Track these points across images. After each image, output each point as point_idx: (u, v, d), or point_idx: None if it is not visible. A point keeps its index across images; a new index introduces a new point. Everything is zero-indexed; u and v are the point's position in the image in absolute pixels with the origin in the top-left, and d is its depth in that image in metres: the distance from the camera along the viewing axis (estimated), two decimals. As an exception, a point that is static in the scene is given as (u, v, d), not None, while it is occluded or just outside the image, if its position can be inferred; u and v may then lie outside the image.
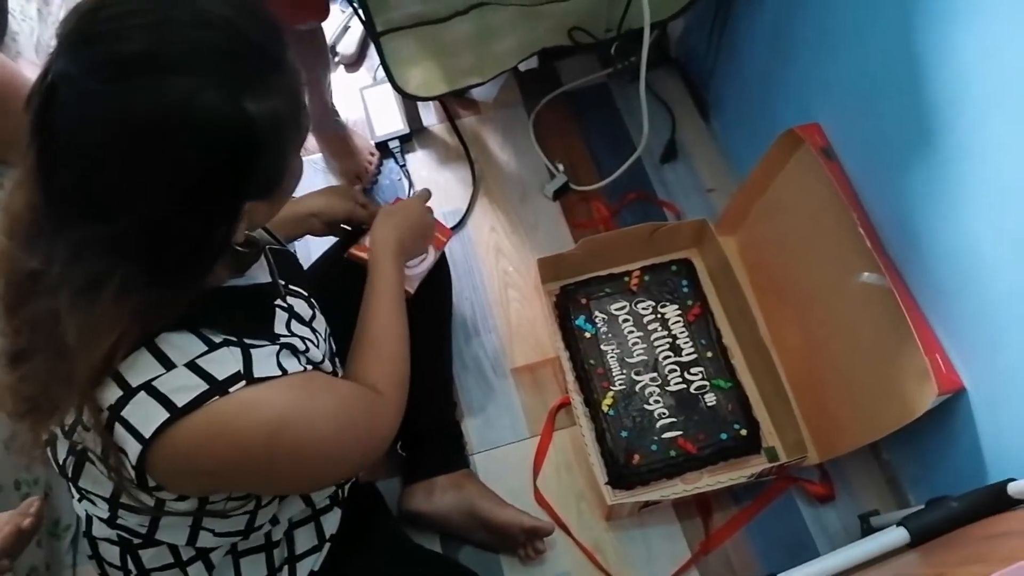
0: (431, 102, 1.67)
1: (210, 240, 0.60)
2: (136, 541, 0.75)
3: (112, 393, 0.61)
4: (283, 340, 0.71)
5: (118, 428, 0.61)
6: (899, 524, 0.88)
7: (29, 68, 1.43)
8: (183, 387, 0.61)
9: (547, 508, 1.25)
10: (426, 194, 1.14)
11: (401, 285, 0.96)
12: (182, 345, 0.63)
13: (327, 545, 0.88)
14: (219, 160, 0.56)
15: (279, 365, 0.68)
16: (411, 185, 1.61)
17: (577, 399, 1.30)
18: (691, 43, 1.65)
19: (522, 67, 1.60)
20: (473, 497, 1.18)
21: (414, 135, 1.67)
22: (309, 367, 0.73)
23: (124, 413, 0.61)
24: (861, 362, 1.14)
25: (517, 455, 1.30)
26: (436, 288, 1.20)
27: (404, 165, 1.63)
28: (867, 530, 1.18)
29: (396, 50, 1.28)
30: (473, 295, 1.47)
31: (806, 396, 1.26)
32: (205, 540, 0.75)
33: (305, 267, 1.03)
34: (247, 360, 0.65)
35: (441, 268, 1.21)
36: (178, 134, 0.53)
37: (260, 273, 0.77)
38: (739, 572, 1.19)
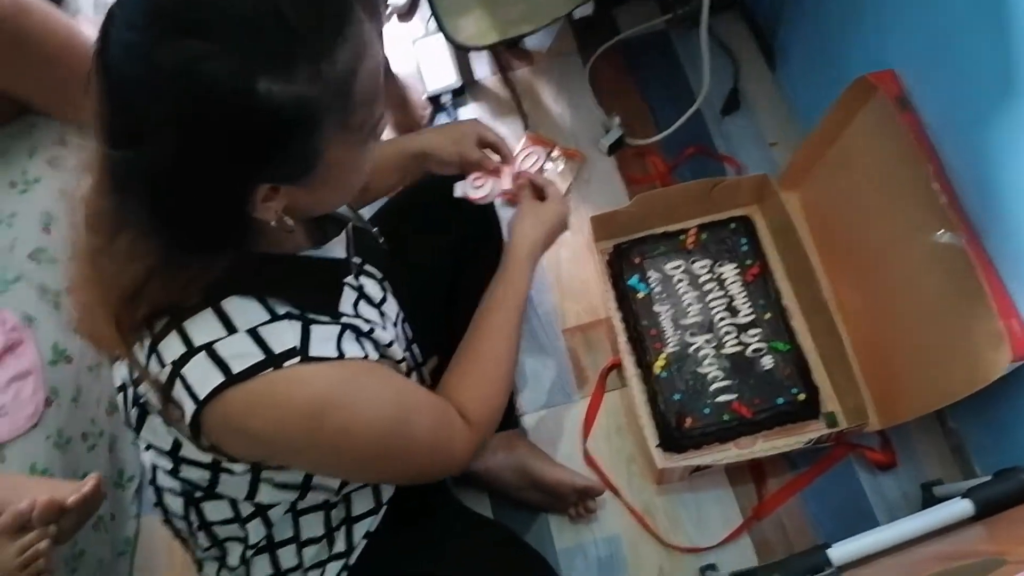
0: (484, 53, 1.64)
1: (217, 210, 0.60)
2: (198, 494, 0.77)
3: (176, 348, 0.63)
4: (345, 320, 0.71)
5: (178, 384, 0.63)
6: (964, 495, 0.84)
7: (87, 25, 1.45)
8: (241, 354, 0.63)
9: (597, 470, 1.25)
10: (559, 191, 1.02)
11: (526, 298, 0.90)
12: (247, 311, 0.64)
13: (383, 508, 0.89)
14: (219, 133, 0.54)
15: (338, 347, 0.67)
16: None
17: (629, 360, 1.28)
18: (757, -14, 1.56)
19: (577, 14, 1.55)
20: (524, 456, 1.19)
21: (467, 88, 1.64)
22: (373, 353, 0.72)
23: (184, 371, 0.63)
24: (930, 325, 1.08)
25: (567, 416, 1.29)
26: (488, 250, 1.18)
27: (456, 119, 1.61)
28: (929, 500, 1.14)
29: None
30: (525, 253, 1.45)
31: (869, 360, 1.21)
32: (264, 494, 0.76)
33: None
34: (305, 336, 0.65)
35: (492, 227, 1.19)
36: (183, 97, 0.53)
37: (337, 248, 0.76)
38: (793, 539, 1.17)
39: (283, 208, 0.62)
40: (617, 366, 1.32)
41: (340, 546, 0.84)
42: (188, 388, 0.63)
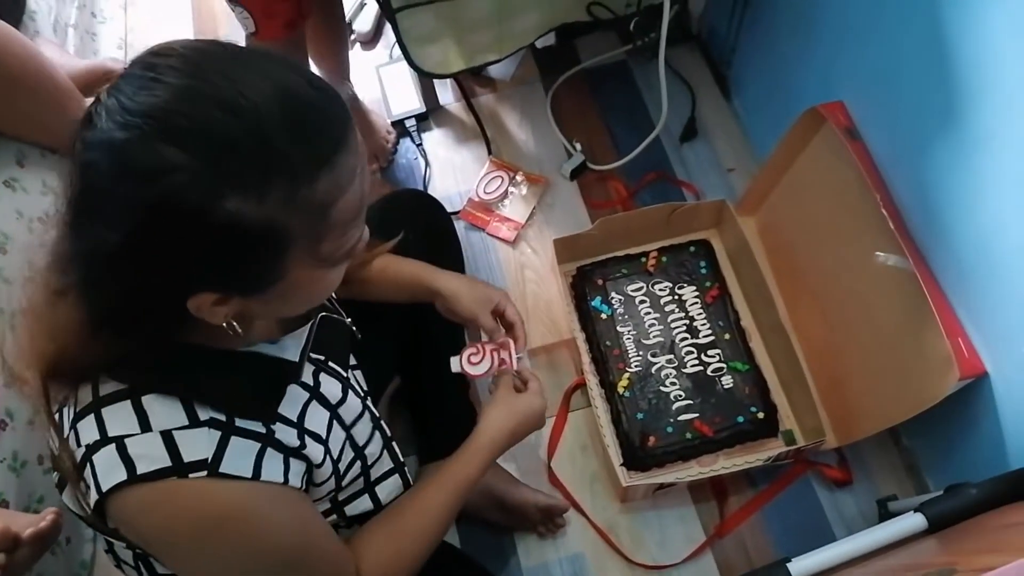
0: (448, 80, 1.66)
1: (152, 306, 0.58)
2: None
3: (92, 433, 0.62)
4: (279, 430, 0.67)
5: (87, 468, 0.62)
6: (917, 510, 0.87)
7: (47, 47, 1.43)
8: (148, 455, 0.60)
9: (561, 489, 1.26)
10: (541, 388, 0.98)
11: (475, 486, 0.87)
12: (165, 410, 0.62)
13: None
14: (171, 239, 0.53)
15: (255, 464, 0.64)
16: (427, 164, 1.60)
17: (593, 380, 1.29)
18: (712, 19, 1.62)
19: (540, 44, 1.58)
20: (489, 476, 1.18)
21: (430, 114, 1.66)
22: (295, 476, 0.68)
23: (94, 457, 0.61)
24: (881, 346, 1.12)
25: (531, 436, 1.29)
26: (449, 268, 1.19)
27: (420, 144, 1.62)
28: (885, 515, 1.17)
29: (412, 27, 1.26)
30: (489, 276, 1.46)
31: (825, 379, 1.24)
32: None
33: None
34: (220, 449, 0.62)
35: (453, 247, 1.20)
36: (143, 200, 0.51)
37: (292, 347, 0.71)
38: (754, 556, 1.19)
39: (234, 314, 0.60)
40: (581, 386, 1.33)
41: None
42: (94, 475, 0.61)
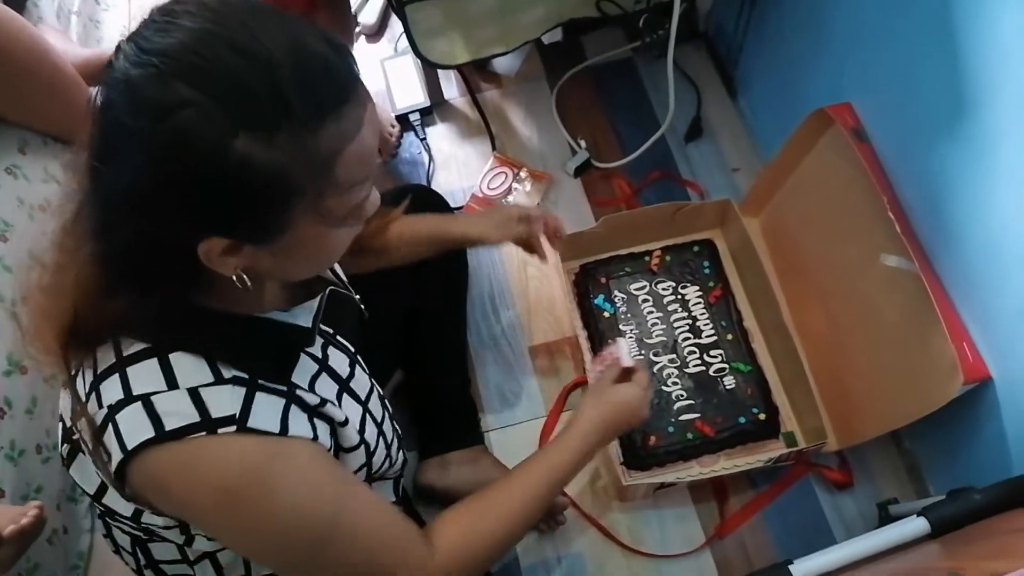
0: (452, 74, 1.65)
1: (165, 249, 0.58)
2: (143, 536, 0.75)
3: (115, 392, 0.61)
4: (299, 393, 0.67)
5: (110, 429, 0.61)
6: (919, 514, 0.86)
7: (51, 33, 1.43)
8: (177, 412, 0.60)
9: (561, 487, 1.25)
10: (645, 380, 0.96)
11: (569, 474, 0.85)
12: (191, 369, 0.62)
13: None
14: (184, 175, 0.53)
15: (282, 420, 0.64)
16: (431, 159, 1.60)
17: (594, 378, 1.29)
18: (720, 17, 1.61)
19: (546, 40, 1.58)
20: (488, 472, 1.19)
21: (435, 108, 1.65)
22: (325, 435, 0.69)
23: (118, 417, 0.61)
24: (885, 349, 1.12)
25: (532, 433, 1.30)
26: (451, 262, 1.19)
27: (424, 138, 1.62)
28: (885, 519, 1.16)
29: (420, 20, 1.26)
30: (492, 272, 1.46)
31: (827, 381, 1.24)
32: (201, 544, 0.73)
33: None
34: (247, 405, 0.63)
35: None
36: (158, 134, 0.52)
37: (304, 315, 0.72)
38: (754, 557, 1.19)
39: (243, 268, 0.60)
40: (581, 384, 1.33)
41: None
42: (118, 435, 0.60)
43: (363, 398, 0.78)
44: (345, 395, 0.75)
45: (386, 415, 0.83)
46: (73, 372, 0.65)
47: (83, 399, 0.63)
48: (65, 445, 0.70)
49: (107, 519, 0.78)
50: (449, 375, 1.25)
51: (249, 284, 0.62)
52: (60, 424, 0.72)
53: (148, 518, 0.68)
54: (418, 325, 1.19)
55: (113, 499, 0.69)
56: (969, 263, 0.95)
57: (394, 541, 0.71)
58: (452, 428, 1.22)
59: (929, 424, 1.02)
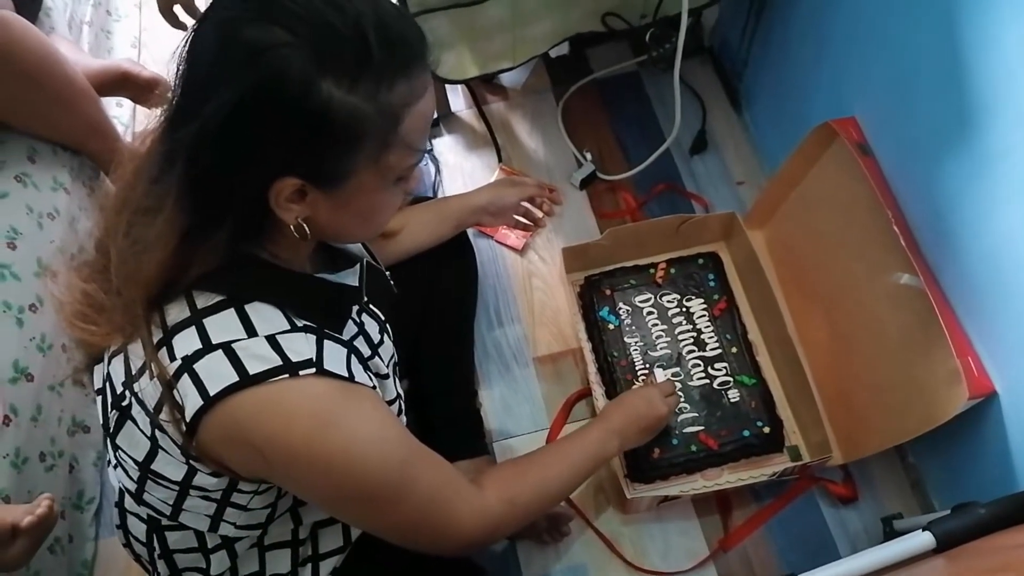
0: (459, 87, 1.66)
1: (244, 188, 0.61)
2: (163, 521, 0.76)
3: (192, 344, 0.64)
4: (354, 343, 0.72)
5: (184, 379, 0.63)
6: (925, 528, 0.86)
7: (62, 43, 1.44)
8: (259, 356, 0.63)
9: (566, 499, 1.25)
10: (669, 387, 1.16)
11: (601, 448, 0.97)
12: (269, 317, 0.66)
13: (350, 547, 0.87)
14: (272, 113, 0.58)
15: (348, 367, 0.68)
16: (438, 170, 1.61)
17: (599, 391, 1.29)
18: (725, 32, 1.62)
19: (552, 53, 1.59)
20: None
21: (441, 120, 1.66)
22: (377, 386, 0.73)
23: (197, 366, 0.63)
24: (889, 363, 1.12)
25: (536, 444, 1.29)
26: (462, 275, 1.20)
27: (431, 150, 1.62)
28: (889, 533, 1.16)
29: (428, 32, 1.25)
30: (497, 283, 1.46)
31: (832, 395, 1.24)
32: (226, 530, 0.75)
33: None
34: (320, 350, 0.66)
35: (467, 254, 1.20)
36: (252, 72, 0.56)
37: (350, 277, 0.78)
38: (758, 571, 1.18)
39: (304, 218, 0.64)
40: (585, 396, 1.33)
41: None
42: (198, 383, 0.62)
43: (387, 363, 0.82)
44: (376, 358, 0.78)
45: (400, 393, 0.86)
46: (129, 332, 0.67)
47: (153, 353, 0.65)
48: (114, 412, 0.71)
49: (124, 508, 0.79)
50: (456, 385, 1.25)
51: (307, 233, 0.65)
52: (100, 398, 0.74)
53: (200, 479, 0.70)
54: (427, 334, 1.19)
55: (163, 463, 0.69)
56: (974, 277, 0.95)
57: (452, 476, 0.77)
58: (458, 438, 1.22)
59: (933, 438, 1.01)
